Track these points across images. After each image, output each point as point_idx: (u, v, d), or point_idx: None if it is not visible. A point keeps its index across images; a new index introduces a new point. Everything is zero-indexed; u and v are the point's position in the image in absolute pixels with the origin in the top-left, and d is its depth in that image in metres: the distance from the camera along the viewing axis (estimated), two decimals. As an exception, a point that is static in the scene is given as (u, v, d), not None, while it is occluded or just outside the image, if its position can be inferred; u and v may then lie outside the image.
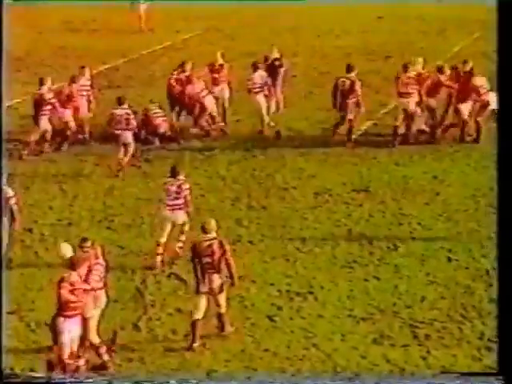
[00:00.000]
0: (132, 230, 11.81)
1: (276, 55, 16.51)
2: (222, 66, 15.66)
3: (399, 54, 20.14)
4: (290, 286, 10.22)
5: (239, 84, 16.37)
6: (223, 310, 9.10)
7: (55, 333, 8.17)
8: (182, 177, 10.84)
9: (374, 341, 9.13)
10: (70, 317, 8.12)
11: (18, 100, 17.30)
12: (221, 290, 8.97)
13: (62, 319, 8.15)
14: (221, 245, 8.98)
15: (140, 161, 14.34)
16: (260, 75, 15.30)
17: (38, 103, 14.35)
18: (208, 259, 8.90)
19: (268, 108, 15.46)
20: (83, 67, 15.27)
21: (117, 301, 9.59)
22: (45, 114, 14.26)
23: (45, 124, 14.33)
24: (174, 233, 10.84)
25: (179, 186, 10.73)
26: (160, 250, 10.67)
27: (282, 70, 16.28)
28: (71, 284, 8.17)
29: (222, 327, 9.17)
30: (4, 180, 10.41)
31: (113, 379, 7.70)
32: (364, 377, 8.19)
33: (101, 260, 8.83)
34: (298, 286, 10.14)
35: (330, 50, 21.43)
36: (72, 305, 8.13)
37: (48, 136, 14.49)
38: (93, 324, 8.58)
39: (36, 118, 14.36)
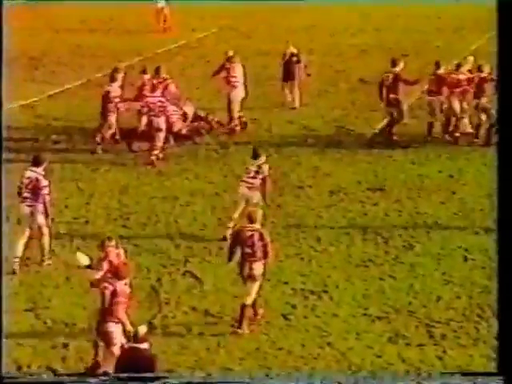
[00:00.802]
0: (147, 229, 11.84)
1: (293, 50, 16.48)
2: (231, 64, 15.52)
3: (415, 52, 20.06)
4: (305, 284, 10.20)
5: (255, 82, 16.36)
6: (249, 301, 9.25)
7: (107, 337, 8.18)
8: (262, 158, 11.28)
9: (390, 340, 9.09)
10: (118, 322, 8.19)
11: (35, 99, 17.40)
12: (258, 277, 9.16)
13: (112, 324, 8.20)
14: (261, 237, 9.14)
15: (166, 151, 14.21)
16: (239, 69, 15.27)
17: (105, 100, 14.36)
18: (248, 249, 9.12)
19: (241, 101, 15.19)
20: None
21: (131, 299, 9.60)
22: (112, 111, 14.28)
23: (112, 120, 14.39)
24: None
25: (259, 167, 11.17)
26: (231, 224, 11.06)
27: (299, 66, 16.24)
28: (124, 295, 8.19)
29: (255, 313, 9.39)
30: (41, 169, 10.59)
31: (112, 379, 7.71)
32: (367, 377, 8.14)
33: (124, 259, 8.82)
34: (313, 284, 10.12)
35: (345, 48, 21.37)
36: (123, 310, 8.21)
37: (110, 133, 14.49)
38: None
39: (104, 114, 14.37)
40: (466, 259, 10.76)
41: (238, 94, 15.34)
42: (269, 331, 9.22)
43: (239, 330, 9.12)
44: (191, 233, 11.71)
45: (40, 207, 10.40)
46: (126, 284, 8.26)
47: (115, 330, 8.15)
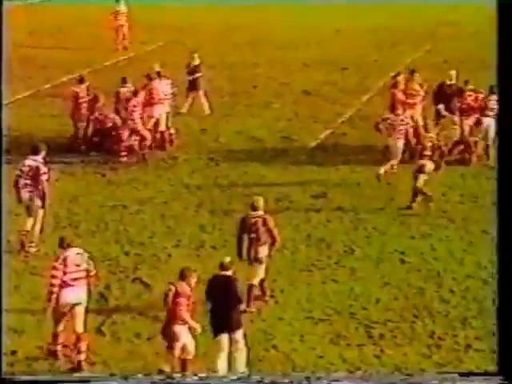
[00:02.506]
0: (96, 236, 11.73)
1: (196, 62, 16.56)
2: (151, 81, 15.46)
3: (354, 65, 20.36)
4: (251, 289, 10.21)
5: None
6: (255, 282, 9.69)
7: (172, 339, 8.24)
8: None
9: (331, 341, 9.18)
10: (182, 323, 8.29)
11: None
12: (264, 260, 9.60)
13: (178, 326, 8.28)
14: (264, 222, 9.60)
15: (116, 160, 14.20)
16: (165, 84, 15.23)
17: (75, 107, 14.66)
18: (253, 234, 9.59)
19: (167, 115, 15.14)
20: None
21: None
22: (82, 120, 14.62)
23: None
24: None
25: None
26: None
27: (202, 77, 16.29)
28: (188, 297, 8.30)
29: (263, 293, 9.87)
30: (40, 157, 11.02)
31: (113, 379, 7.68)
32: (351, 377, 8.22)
33: None
34: (259, 289, 10.15)
35: (290, 61, 21.56)
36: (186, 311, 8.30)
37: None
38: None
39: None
40: (402, 262, 10.94)
41: (160, 109, 15.03)
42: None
43: (248, 309, 9.44)
44: (140, 240, 11.65)
45: (38, 193, 10.88)
46: (187, 284, 8.33)
47: (180, 330, 8.22)
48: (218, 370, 8.37)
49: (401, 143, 13.44)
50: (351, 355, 8.89)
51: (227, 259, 8.74)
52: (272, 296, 10.09)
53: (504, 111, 7.57)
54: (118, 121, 15.02)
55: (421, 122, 14.14)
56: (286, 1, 29.19)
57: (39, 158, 10.97)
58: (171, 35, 24.56)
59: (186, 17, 26.88)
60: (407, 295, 10.07)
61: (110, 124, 15.05)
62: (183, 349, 8.34)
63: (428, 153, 12.60)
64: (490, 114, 13.59)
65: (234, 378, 8.01)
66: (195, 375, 8.13)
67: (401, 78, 14.86)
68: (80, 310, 8.64)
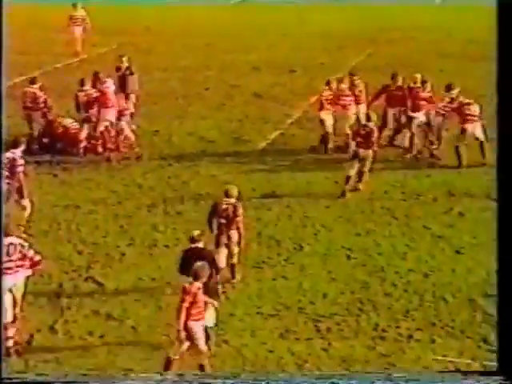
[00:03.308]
0: (49, 236, 11.54)
1: (127, 64, 16.44)
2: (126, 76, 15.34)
3: (302, 68, 20.50)
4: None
5: (156, 96, 16.24)
6: (235, 260, 10.06)
7: (191, 335, 8.23)
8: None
9: (281, 336, 9.21)
10: (198, 319, 8.32)
11: None
12: (235, 244, 9.98)
13: (193, 322, 8.26)
14: (235, 210, 9.89)
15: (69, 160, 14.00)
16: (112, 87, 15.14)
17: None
18: (223, 220, 9.91)
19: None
20: None
21: (34, 304, 9.33)
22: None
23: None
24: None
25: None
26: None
27: (133, 78, 16.16)
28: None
29: (233, 276, 10.16)
30: (19, 150, 11.26)
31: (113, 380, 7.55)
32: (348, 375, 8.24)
33: None
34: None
35: (240, 64, 21.57)
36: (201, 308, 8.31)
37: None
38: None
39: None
40: (348, 258, 11.04)
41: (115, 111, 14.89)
42: (169, 332, 9.16)
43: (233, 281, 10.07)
44: (93, 240, 11.50)
45: (16, 185, 11.00)
46: (201, 283, 8.35)
47: (196, 327, 8.22)
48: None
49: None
50: (300, 349, 8.93)
51: (196, 232, 9.12)
52: (224, 292, 10.09)
53: (504, 111, 7.59)
54: (68, 122, 14.82)
55: (351, 121, 14.54)
56: (236, 4, 29.20)
57: (18, 151, 11.22)
58: (124, 38, 24.28)
59: (139, 19, 26.63)
60: (353, 290, 10.17)
61: (61, 126, 14.83)
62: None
63: (360, 140, 12.94)
64: (473, 119, 13.83)
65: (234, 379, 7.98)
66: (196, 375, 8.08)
67: (332, 79, 15.03)
68: (11, 297, 8.51)
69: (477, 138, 14.02)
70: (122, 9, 27.69)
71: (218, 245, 9.97)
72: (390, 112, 14.68)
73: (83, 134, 14.72)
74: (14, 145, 11.29)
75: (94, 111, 14.60)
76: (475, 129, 13.95)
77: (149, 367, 8.48)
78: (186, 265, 8.86)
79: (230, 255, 10.04)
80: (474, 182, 13.30)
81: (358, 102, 14.88)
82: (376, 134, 13.17)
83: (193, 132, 16.22)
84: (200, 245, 9.18)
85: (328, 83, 14.90)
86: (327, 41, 23.80)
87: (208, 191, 13.27)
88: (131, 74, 16.12)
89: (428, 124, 14.45)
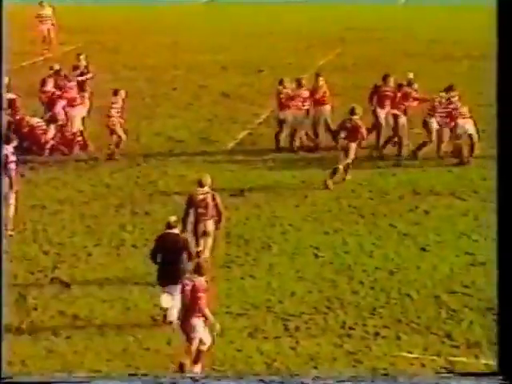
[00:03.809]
0: (16, 236, 11.37)
1: (83, 64, 16.35)
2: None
3: (270, 68, 20.54)
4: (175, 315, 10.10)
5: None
6: (207, 254, 10.21)
7: (190, 331, 8.27)
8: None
9: (249, 335, 9.22)
10: (200, 316, 8.35)
11: None
12: (211, 233, 10.21)
13: (196, 319, 8.30)
14: (213, 197, 10.15)
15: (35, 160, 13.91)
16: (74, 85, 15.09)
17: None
18: (202, 209, 10.09)
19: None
20: None
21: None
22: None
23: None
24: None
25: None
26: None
27: (87, 77, 16.09)
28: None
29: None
30: (11, 146, 11.50)
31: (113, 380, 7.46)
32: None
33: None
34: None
35: (208, 64, 21.52)
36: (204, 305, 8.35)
37: None
38: None
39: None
40: (316, 257, 11.09)
41: (82, 110, 14.86)
42: (136, 332, 9.11)
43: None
44: (59, 240, 11.37)
45: (7, 180, 11.14)
46: (205, 280, 8.42)
47: (198, 323, 8.24)
48: (169, 317, 9.07)
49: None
50: (268, 348, 8.95)
51: (173, 218, 9.39)
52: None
53: (504, 111, 7.62)
54: (35, 121, 14.64)
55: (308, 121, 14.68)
56: (204, 4, 29.13)
57: (10, 147, 11.49)
58: (91, 36, 24.06)
59: (107, 18, 26.40)
60: (321, 288, 10.22)
61: (28, 125, 14.64)
62: (200, 341, 8.36)
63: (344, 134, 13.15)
64: (465, 115, 13.92)
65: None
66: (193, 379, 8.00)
67: (287, 80, 15.05)
68: None
69: (470, 134, 14.06)
70: (90, 7, 27.43)
71: (195, 235, 10.20)
72: (381, 112, 14.60)
73: (50, 134, 14.56)
74: (6, 141, 11.56)
75: (58, 110, 14.44)
76: (466, 124, 14.05)
77: (116, 368, 8.41)
78: (160, 250, 9.21)
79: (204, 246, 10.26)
80: (438, 180, 13.47)
81: (322, 103, 14.90)
82: (363, 128, 13.30)
83: (161, 132, 16.14)
84: (176, 231, 9.39)
85: (281, 83, 14.95)
86: (295, 40, 23.88)
87: (176, 191, 13.22)
88: (88, 72, 16.01)
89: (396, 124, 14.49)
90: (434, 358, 8.67)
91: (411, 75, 14.81)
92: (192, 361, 8.30)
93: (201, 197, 10.18)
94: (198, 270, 8.42)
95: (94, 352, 8.73)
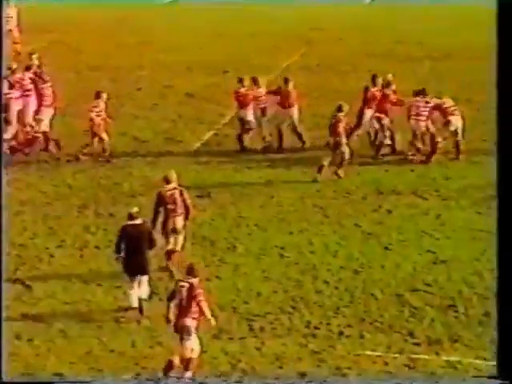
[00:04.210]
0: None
1: (37, 62, 16.21)
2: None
3: (235, 69, 20.55)
4: (137, 302, 10.05)
5: (88, 96, 15.91)
6: (179, 248, 10.43)
7: (184, 331, 8.35)
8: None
9: (214, 336, 9.21)
10: (195, 318, 8.44)
11: None
12: (181, 230, 10.35)
13: (189, 319, 8.39)
14: (181, 193, 10.29)
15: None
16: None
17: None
18: (171, 205, 10.18)
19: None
20: None
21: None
22: None
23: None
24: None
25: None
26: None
27: (43, 77, 15.96)
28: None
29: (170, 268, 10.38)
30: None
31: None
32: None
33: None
34: (147, 297, 9.99)
35: (173, 64, 21.43)
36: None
37: None
38: None
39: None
40: (282, 257, 11.13)
41: (49, 112, 14.70)
42: (100, 334, 9.03)
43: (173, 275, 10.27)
44: (21, 242, 11.22)
45: None
46: (199, 280, 8.58)
47: (191, 324, 8.31)
48: (131, 303, 9.38)
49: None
50: (233, 348, 8.96)
51: (135, 209, 9.65)
52: (155, 293, 10.00)
53: (504, 111, 7.63)
54: None
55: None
56: (169, 3, 29.00)
57: None
58: (55, 36, 23.75)
59: (71, 17, 26.07)
60: (286, 288, 10.26)
61: None
62: (190, 349, 8.37)
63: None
64: (455, 112, 13.93)
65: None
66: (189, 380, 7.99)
67: (247, 78, 15.07)
68: None
69: (456, 132, 14.16)
70: (54, 7, 27.06)
71: (164, 231, 10.30)
72: (368, 113, 14.53)
73: (8, 135, 14.34)
74: None
75: (13, 111, 14.23)
76: (457, 121, 14.15)
77: (80, 371, 8.32)
78: (124, 241, 9.50)
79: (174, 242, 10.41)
80: (400, 179, 13.62)
81: (290, 106, 14.85)
82: (342, 124, 13.42)
83: (125, 132, 16.01)
84: (138, 221, 9.57)
85: (240, 81, 15.00)
86: (260, 41, 23.90)
87: (141, 192, 13.13)
88: (42, 72, 15.84)
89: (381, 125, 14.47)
90: (397, 355, 8.78)
91: (390, 76, 14.84)
92: (183, 367, 8.31)
93: (169, 193, 10.29)
94: (191, 272, 8.57)
95: (57, 355, 8.62)
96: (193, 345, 8.36)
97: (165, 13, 28.08)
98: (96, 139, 14.42)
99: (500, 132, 7.74)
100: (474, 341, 8.95)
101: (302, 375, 8.33)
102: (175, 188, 10.36)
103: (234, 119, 16.62)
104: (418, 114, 14.06)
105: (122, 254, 9.51)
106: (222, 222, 12.19)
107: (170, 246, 10.35)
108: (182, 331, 8.36)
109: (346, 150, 13.44)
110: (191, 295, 8.36)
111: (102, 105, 14.52)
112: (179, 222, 10.29)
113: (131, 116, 16.82)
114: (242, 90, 14.93)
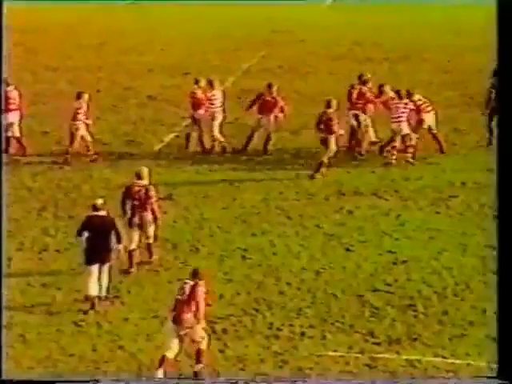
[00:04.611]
0: None
1: None
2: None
3: (196, 71, 20.53)
4: (99, 291, 9.99)
5: (46, 97, 15.77)
6: (151, 240, 10.68)
7: (181, 328, 8.57)
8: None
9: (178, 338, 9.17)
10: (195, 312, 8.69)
11: None
12: (149, 224, 10.58)
13: (190, 314, 8.63)
14: (146, 192, 10.51)
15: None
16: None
17: None
18: (136, 202, 10.48)
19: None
20: None
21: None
22: None
23: None
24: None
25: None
26: None
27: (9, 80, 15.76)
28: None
29: (150, 255, 10.75)
30: None
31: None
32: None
33: None
34: (105, 290, 9.93)
35: (133, 66, 21.30)
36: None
37: None
38: None
39: None
40: (244, 258, 11.15)
41: (15, 116, 14.61)
42: (59, 338, 8.92)
43: (131, 270, 10.48)
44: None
45: None
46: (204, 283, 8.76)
47: (191, 318, 8.53)
48: (90, 291, 9.59)
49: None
50: (195, 351, 8.92)
51: (99, 201, 9.91)
52: (117, 297, 9.92)
53: (504, 111, 7.67)
54: None
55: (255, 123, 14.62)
56: (130, 4, 28.80)
57: None
58: (13, 37, 23.36)
59: (29, 17, 25.70)
60: (249, 290, 10.29)
61: None
62: (196, 340, 8.55)
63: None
64: (428, 109, 14.02)
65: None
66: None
67: (202, 80, 15.15)
68: None
69: (430, 128, 14.25)
70: (11, 7, 26.60)
71: (130, 226, 10.52)
72: (351, 113, 14.52)
73: None
74: None
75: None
76: (431, 118, 14.24)
77: (39, 376, 8.21)
78: (87, 231, 9.71)
79: (145, 236, 10.62)
80: (361, 180, 13.78)
81: (270, 111, 14.63)
82: (336, 121, 13.54)
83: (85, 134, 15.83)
84: (102, 213, 9.77)
85: (196, 82, 15.06)
86: (221, 43, 23.93)
87: (101, 194, 13.00)
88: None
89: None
90: (358, 355, 8.87)
91: (368, 75, 14.89)
92: (196, 360, 8.48)
93: (136, 189, 10.53)
94: (196, 275, 8.75)
95: (15, 360, 8.48)
96: (201, 333, 8.61)
97: (125, 14, 27.89)
98: (78, 140, 14.33)
99: (500, 133, 7.82)
100: (432, 339, 9.10)
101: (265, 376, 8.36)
102: (143, 186, 10.55)
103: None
104: (399, 117, 14.18)
105: (83, 238, 9.79)
106: (185, 224, 12.16)
107: (134, 242, 10.52)
108: (182, 324, 8.51)
109: (332, 150, 13.59)
110: (194, 292, 8.60)
111: (84, 106, 14.47)
112: (145, 217, 10.49)
113: (91, 118, 16.66)
114: (198, 91, 14.95)
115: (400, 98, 14.26)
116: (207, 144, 15.03)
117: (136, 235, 10.51)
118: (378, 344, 9.03)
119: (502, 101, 7.73)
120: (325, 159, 13.58)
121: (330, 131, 13.54)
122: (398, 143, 14.24)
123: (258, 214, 12.59)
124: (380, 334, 9.22)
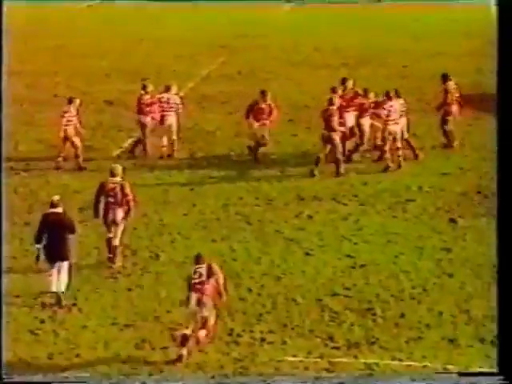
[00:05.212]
0: None
1: None
2: None
3: (155, 75, 20.46)
4: (54, 299, 9.87)
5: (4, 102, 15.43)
6: (117, 242, 10.82)
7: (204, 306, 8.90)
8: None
9: (136, 346, 9.13)
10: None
11: None
12: (120, 221, 10.76)
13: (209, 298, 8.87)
14: (122, 188, 10.70)
15: None
16: None
17: None
18: (111, 198, 10.66)
19: None
20: None
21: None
22: None
23: None
24: None
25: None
26: None
27: None
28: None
29: (113, 259, 10.85)
30: None
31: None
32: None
33: None
34: (64, 288, 9.85)
35: (91, 70, 21.11)
36: None
37: None
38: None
39: None
40: (204, 264, 11.15)
41: None
42: (15, 347, 8.78)
43: (113, 265, 10.71)
44: None
45: None
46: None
47: (207, 301, 8.83)
48: (51, 288, 9.71)
49: None
50: (156, 358, 8.90)
51: (56, 197, 9.99)
52: (74, 304, 9.82)
53: (504, 111, 7.68)
54: None
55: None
56: (87, 7, 28.53)
57: None
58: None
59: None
60: (209, 296, 10.26)
61: None
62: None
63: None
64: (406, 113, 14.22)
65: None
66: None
67: (150, 85, 15.25)
68: None
69: (402, 131, 14.30)
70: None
71: (106, 223, 10.76)
72: (364, 121, 14.54)
73: None
74: None
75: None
76: (402, 122, 14.35)
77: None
78: (46, 229, 9.74)
79: (113, 235, 10.81)
80: (320, 185, 13.91)
81: (265, 120, 14.64)
82: (336, 117, 13.70)
83: (42, 139, 15.66)
84: (59, 210, 9.82)
85: (144, 88, 15.10)
86: (181, 47, 23.90)
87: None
88: None
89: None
90: (317, 360, 8.94)
91: (351, 81, 14.99)
92: (195, 341, 8.75)
93: (111, 185, 10.70)
94: (200, 260, 9.03)
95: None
96: (213, 316, 8.89)
97: (84, 16, 27.62)
98: (67, 145, 14.30)
99: (500, 135, 7.89)
100: (390, 342, 9.23)
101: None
102: (118, 182, 10.71)
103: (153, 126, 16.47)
104: (395, 119, 14.31)
105: (42, 245, 9.76)
106: (144, 230, 12.10)
107: (111, 236, 10.71)
108: (201, 306, 8.80)
109: (339, 145, 13.76)
110: (209, 274, 8.90)
111: (73, 111, 14.41)
112: (119, 214, 10.67)
113: (47, 123, 16.46)
114: (145, 96, 14.96)
115: (366, 97, 14.48)
116: (151, 151, 14.95)
117: (113, 229, 10.74)
118: (337, 348, 9.12)
119: (502, 101, 7.75)
120: (321, 155, 13.83)
121: (331, 128, 13.71)
122: (399, 144, 14.29)
123: (217, 219, 12.60)
124: (339, 339, 9.31)
